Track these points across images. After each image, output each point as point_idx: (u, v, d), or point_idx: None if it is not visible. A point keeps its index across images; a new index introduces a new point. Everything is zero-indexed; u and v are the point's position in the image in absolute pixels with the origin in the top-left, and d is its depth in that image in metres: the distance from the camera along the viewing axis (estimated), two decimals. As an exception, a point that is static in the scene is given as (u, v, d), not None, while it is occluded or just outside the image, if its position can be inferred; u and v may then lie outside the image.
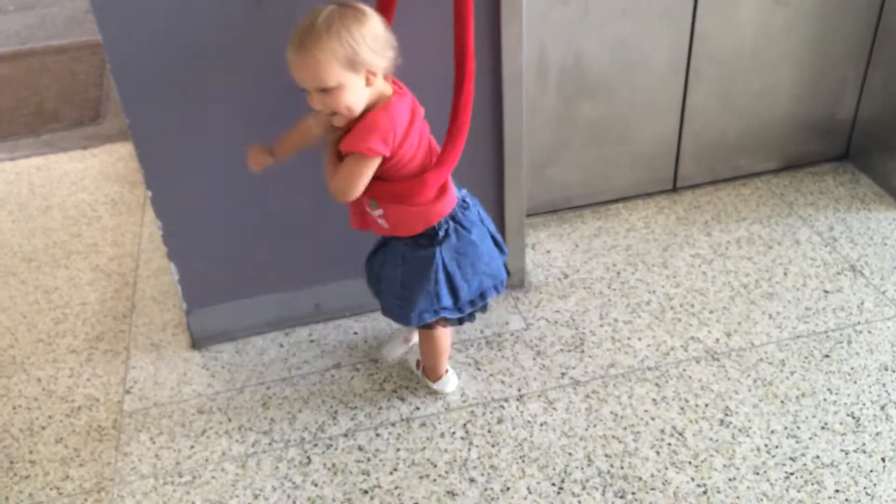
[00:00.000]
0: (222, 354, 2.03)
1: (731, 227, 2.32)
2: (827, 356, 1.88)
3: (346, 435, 1.79)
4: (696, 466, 1.66)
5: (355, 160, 1.44)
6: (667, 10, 2.16)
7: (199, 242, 1.91)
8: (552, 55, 2.15)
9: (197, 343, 2.05)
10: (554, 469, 1.68)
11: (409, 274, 1.61)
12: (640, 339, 1.97)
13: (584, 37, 2.14)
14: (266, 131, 1.77)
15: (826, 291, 2.06)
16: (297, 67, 1.36)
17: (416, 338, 1.91)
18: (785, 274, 2.13)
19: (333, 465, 1.72)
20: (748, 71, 2.32)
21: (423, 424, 1.79)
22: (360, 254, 1.76)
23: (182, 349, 2.06)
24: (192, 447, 1.79)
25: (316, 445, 1.77)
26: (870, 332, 1.94)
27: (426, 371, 1.86)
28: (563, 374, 1.89)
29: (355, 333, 2.06)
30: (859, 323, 1.96)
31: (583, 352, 1.94)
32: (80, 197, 2.73)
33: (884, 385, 1.80)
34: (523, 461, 1.70)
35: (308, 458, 1.74)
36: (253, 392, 1.92)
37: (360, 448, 1.75)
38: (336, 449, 1.75)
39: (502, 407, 1.82)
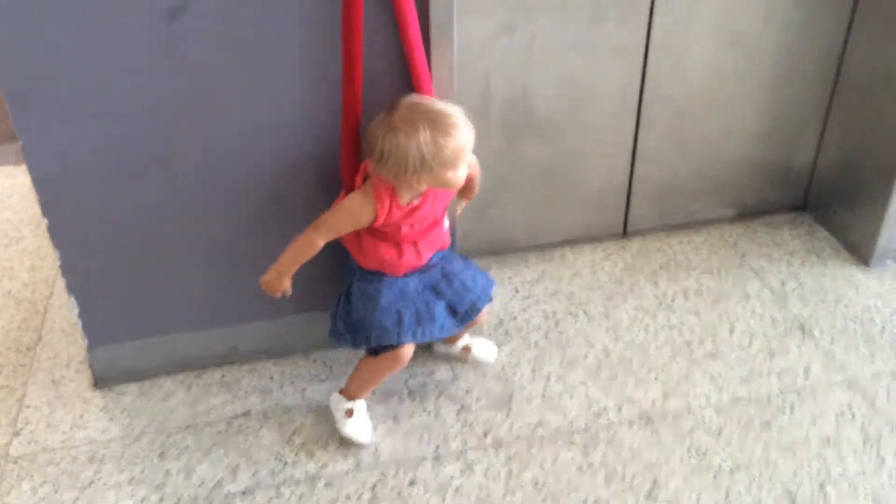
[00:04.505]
0: (125, 396, 1.88)
1: (679, 276, 2.20)
2: (767, 424, 1.75)
3: (244, 493, 1.65)
4: (617, 544, 1.53)
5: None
6: (618, 45, 2.05)
7: (102, 275, 1.77)
8: (496, 89, 2.03)
9: (99, 382, 1.91)
10: (463, 541, 1.54)
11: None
12: (571, 397, 1.84)
13: (530, 71, 2.03)
14: (173, 154, 1.64)
15: (772, 352, 1.94)
16: (471, 143, 1.52)
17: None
18: (731, 331, 2.01)
19: (226, 527, 1.58)
20: (702, 112, 2.21)
21: (329, 485, 1.66)
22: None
23: (83, 388, 1.91)
24: (76, 500, 1.64)
25: (211, 503, 1.63)
26: (814, 399, 1.81)
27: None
28: (485, 433, 1.76)
29: (272, 378, 1.92)
30: (804, 389, 1.84)
31: (510, 409, 1.81)
32: (3, 215, 2.59)
33: (824, 460, 1.67)
34: (431, 531, 1.56)
35: (199, 518, 1.60)
36: (151, 440, 1.77)
37: (257, 509, 1.61)
38: (231, 509, 1.62)
39: (416, 468, 1.68)
